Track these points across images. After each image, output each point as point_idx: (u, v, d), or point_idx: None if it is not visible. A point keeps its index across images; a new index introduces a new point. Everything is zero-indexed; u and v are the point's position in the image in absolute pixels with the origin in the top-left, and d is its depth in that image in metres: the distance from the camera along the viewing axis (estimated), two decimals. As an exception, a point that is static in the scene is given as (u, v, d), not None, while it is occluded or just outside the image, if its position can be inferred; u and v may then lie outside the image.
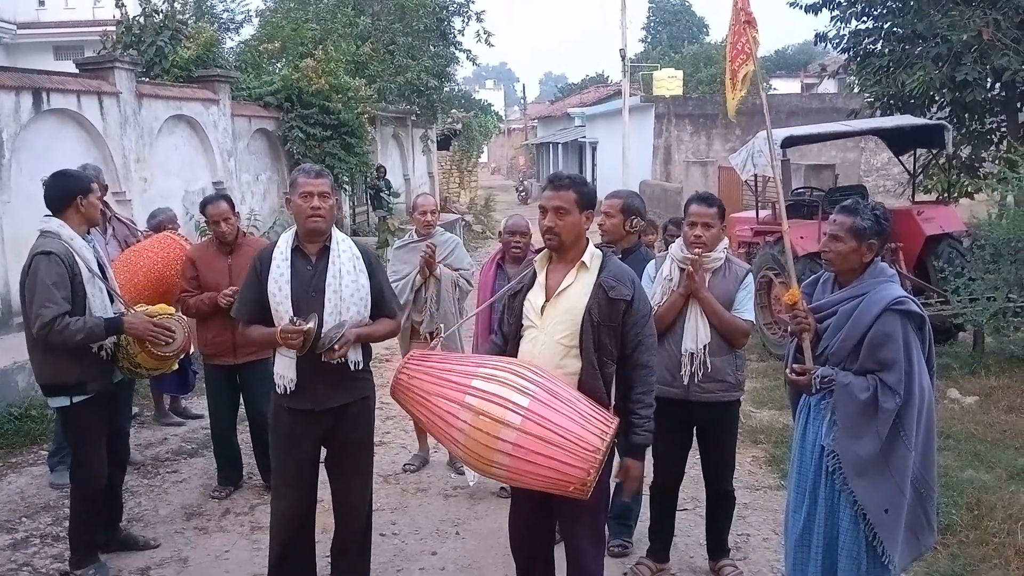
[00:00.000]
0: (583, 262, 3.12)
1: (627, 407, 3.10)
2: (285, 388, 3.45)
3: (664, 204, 19.01)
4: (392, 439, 6.27)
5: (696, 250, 3.79)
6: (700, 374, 3.79)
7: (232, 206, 5.10)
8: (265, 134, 12.47)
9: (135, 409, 6.73)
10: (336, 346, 3.32)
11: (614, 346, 3.09)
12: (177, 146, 10.15)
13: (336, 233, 3.53)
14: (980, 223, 7.84)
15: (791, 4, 12.74)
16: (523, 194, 34.94)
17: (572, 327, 3.06)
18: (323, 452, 3.65)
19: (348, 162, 12.99)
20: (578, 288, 3.09)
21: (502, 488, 4.78)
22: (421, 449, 5.76)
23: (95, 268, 3.90)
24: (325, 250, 3.48)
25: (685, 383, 3.81)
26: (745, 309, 3.85)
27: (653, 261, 4.07)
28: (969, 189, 11.83)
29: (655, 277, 3.95)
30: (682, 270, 3.82)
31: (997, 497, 4.48)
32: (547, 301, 3.12)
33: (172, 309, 4.12)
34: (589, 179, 31.00)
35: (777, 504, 4.74)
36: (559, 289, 3.11)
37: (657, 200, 19.83)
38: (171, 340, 4.01)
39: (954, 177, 11.54)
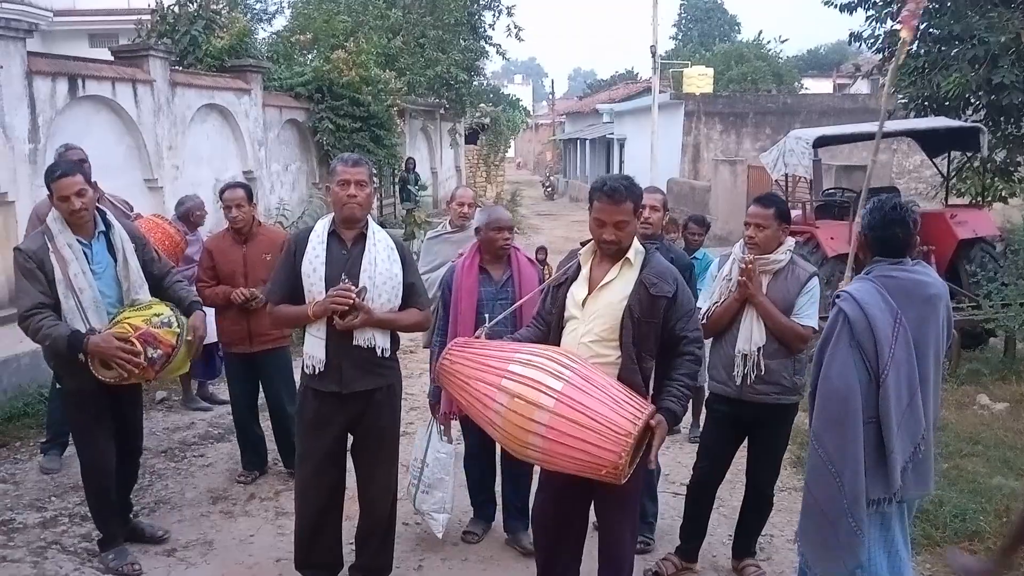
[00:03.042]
0: (627, 258, 3.17)
1: (666, 381, 3.14)
2: (313, 368, 3.49)
3: (692, 203, 18.90)
4: (415, 429, 6.26)
5: (750, 256, 3.77)
6: (753, 375, 3.77)
7: (250, 196, 5.13)
8: (295, 125, 12.55)
9: (163, 394, 6.84)
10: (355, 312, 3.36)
11: (654, 341, 3.14)
12: (209, 135, 10.24)
13: (372, 223, 3.58)
14: (1015, 228, 7.72)
15: (826, 3, 12.58)
16: (549, 190, 34.89)
17: (612, 321, 3.12)
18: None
19: (377, 154, 13.05)
20: (620, 283, 3.15)
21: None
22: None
23: (72, 273, 3.68)
24: (361, 237, 3.54)
25: (738, 384, 3.80)
26: (806, 315, 3.78)
27: (717, 260, 4.06)
28: (1003, 193, 11.66)
29: (715, 276, 3.94)
30: (741, 270, 3.81)
31: (1027, 505, 4.41)
32: (589, 294, 3.17)
33: (165, 308, 3.87)
34: (616, 176, 31.09)
35: (800, 504, 4.70)
36: (602, 283, 3.17)
37: (685, 198, 19.72)
38: (135, 371, 3.64)
39: (988, 181, 11.38)
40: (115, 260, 3.84)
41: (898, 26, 6.07)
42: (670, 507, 4.88)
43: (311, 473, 3.61)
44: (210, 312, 4.85)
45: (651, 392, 3.16)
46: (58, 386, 3.93)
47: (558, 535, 3.41)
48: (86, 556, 4.19)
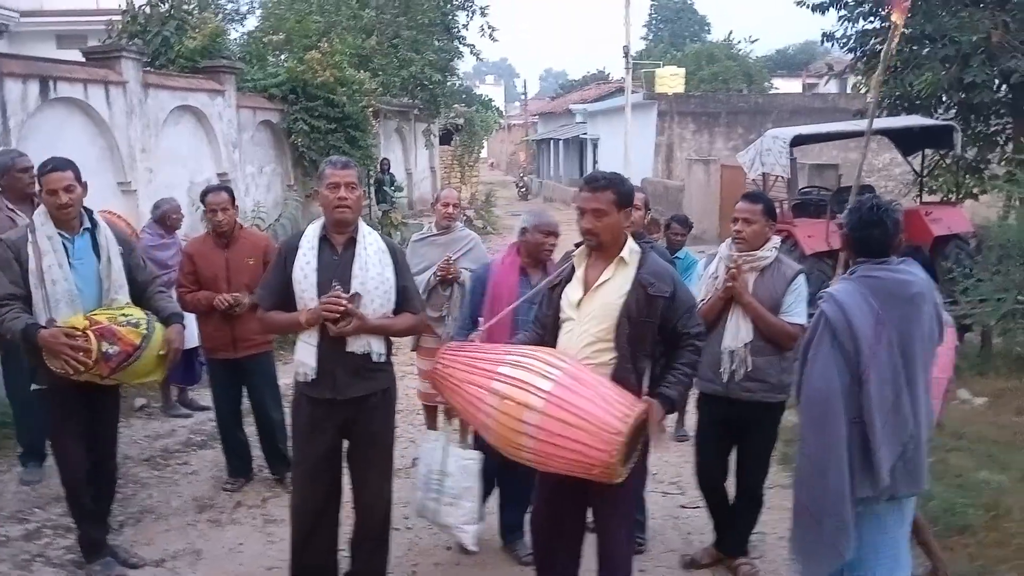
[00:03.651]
0: (622, 258, 3.15)
1: (668, 368, 3.15)
2: (306, 376, 3.45)
3: (666, 202, 18.99)
4: (400, 433, 6.15)
5: (738, 257, 3.77)
6: (741, 372, 3.79)
7: (233, 199, 5.06)
8: (270, 126, 12.41)
9: (142, 401, 6.73)
10: (348, 318, 3.31)
11: (650, 341, 3.13)
12: (182, 137, 10.08)
13: (363, 226, 3.53)
14: (989, 224, 7.83)
15: (798, 3, 12.71)
16: (523, 190, 34.89)
17: (608, 321, 3.10)
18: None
19: (352, 155, 12.92)
20: (616, 283, 3.13)
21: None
22: (431, 443, 5.72)
23: (47, 264, 3.65)
24: (352, 242, 3.49)
25: (724, 381, 3.81)
26: (794, 312, 3.79)
27: (703, 260, 4.06)
28: (975, 191, 11.84)
29: (702, 275, 3.95)
30: (728, 268, 3.82)
31: (1014, 498, 4.48)
32: (584, 295, 3.15)
33: (138, 312, 3.79)
34: (590, 176, 31.12)
35: (791, 502, 4.72)
36: (597, 283, 3.15)
37: (659, 198, 19.80)
38: (81, 368, 3.55)
39: (960, 178, 11.55)
40: (98, 258, 3.81)
41: (893, 15, 6.23)
42: (660, 506, 4.89)
43: (306, 479, 3.56)
44: (190, 317, 4.78)
45: (644, 391, 3.14)
46: (33, 387, 3.84)
47: (554, 535, 3.40)
48: (72, 568, 4.10)
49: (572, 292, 3.20)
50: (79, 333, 3.57)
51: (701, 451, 4.13)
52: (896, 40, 6.13)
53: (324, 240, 3.49)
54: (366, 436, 3.57)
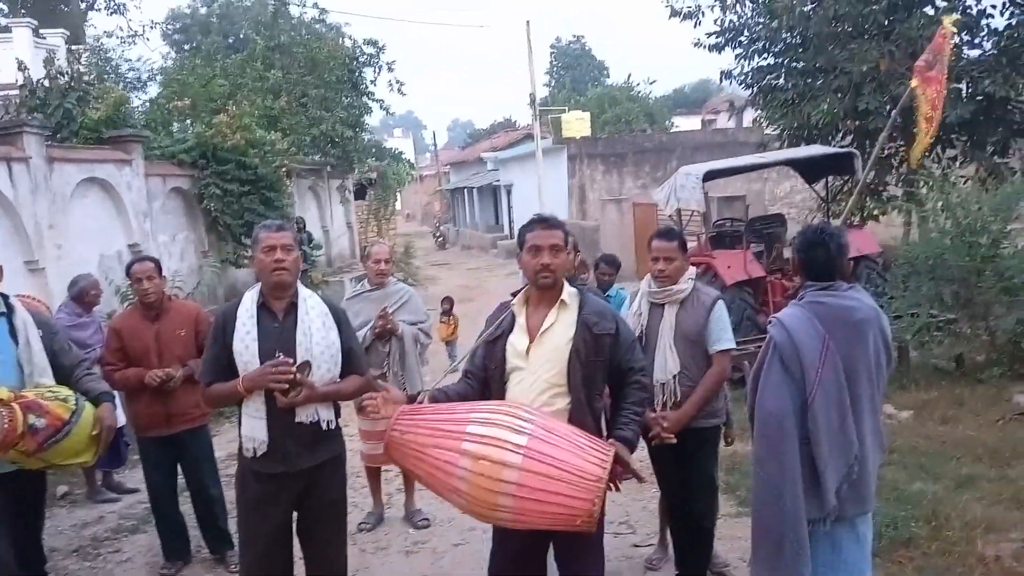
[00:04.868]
0: (563, 300, 3.17)
1: (618, 410, 3.19)
2: (254, 451, 3.31)
3: (583, 242, 19.19)
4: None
5: (661, 425, 3.79)
6: (671, 403, 3.85)
7: (159, 268, 4.89)
8: (180, 193, 12.14)
9: (64, 488, 6.40)
10: (297, 388, 3.22)
11: (602, 380, 3.17)
12: (90, 209, 9.78)
13: (302, 289, 3.45)
14: (898, 244, 8.20)
15: (695, 44, 13.21)
16: (440, 239, 34.93)
17: (559, 365, 3.11)
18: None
19: (268, 216, 12.75)
20: (561, 327, 3.15)
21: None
22: (375, 506, 5.61)
23: None
24: (292, 307, 3.40)
25: (658, 411, 3.86)
26: (717, 340, 3.88)
27: (628, 296, 4.12)
28: (875, 212, 12.39)
29: (626, 314, 4.00)
30: (652, 304, 3.90)
31: (951, 507, 4.62)
32: (531, 342, 3.14)
33: (67, 391, 3.64)
34: (506, 221, 30.75)
35: (740, 531, 4.78)
36: (542, 329, 3.15)
37: (576, 239, 20.08)
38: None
39: (863, 201, 12.07)
40: (16, 343, 3.63)
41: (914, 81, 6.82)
42: (613, 547, 4.86)
43: (258, 559, 3.40)
44: (116, 395, 4.58)
45: (604, 434, 3.17)
46: None
47: None
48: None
49: (518, 341, 3.19)
50: (2, 405, 3.36)
51: (660, 476, 4.15)
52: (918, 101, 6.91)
53: (263, 307, 3.39)
54: (319, 507, 3.46)
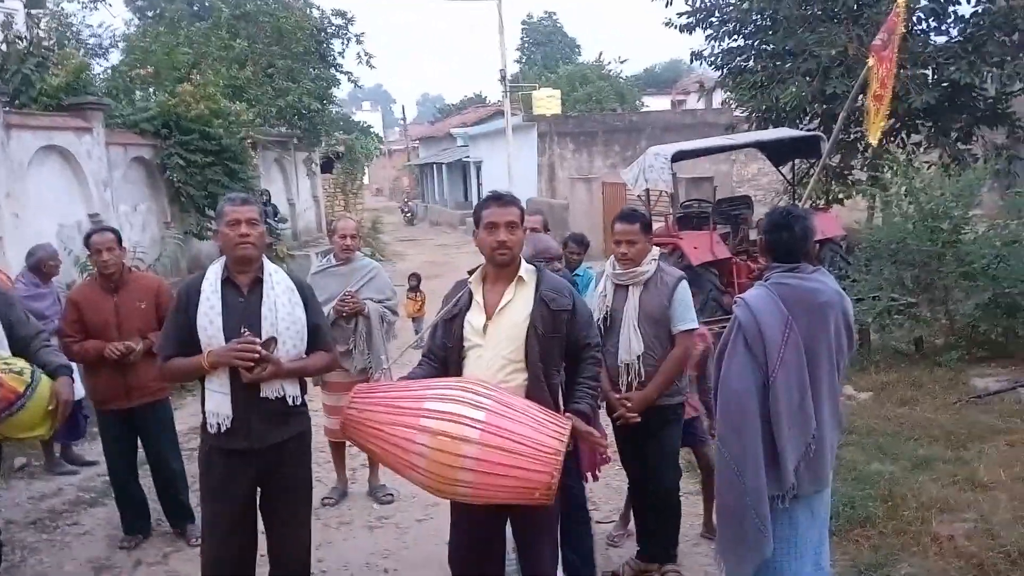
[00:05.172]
0: (520, 277, 3.19)
1: (573, 384, 3.22)
2: (218, 427, 3.26)
3: (552, 220, 19.10)
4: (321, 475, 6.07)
5: (625, 405, 3.84)
6: (636, 383, 3.88)
7: (119, 239, 4.78)
8: (143, 162, 11.91)
9: (22, 460, 6.29)
10: (263, 364, 3.19)
11: (559, 356, 3.20)
12: (49, 178, 9.56)
13: (268, 264, 3.40)
14: (862, 228, 8.28)
15: (666, 24, 13.20)
16: (408, 215, 34.74)
17: (516, 342, 3.13)
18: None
19: (232, 188, 12.55)
20: (519, 303, 3.16)
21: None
22: (339, 481, 5.60)
23: None
24: (258, 281, 3.35)
25: (623, 391, 3.90)
26: (681, 320, 3.90)
27: (595, 276, 4.12)
28: (840, 196, 12.53)
29: (593, 294, 4.01)
30: (616, 285, 3.90)
31: (907, 487, 4.71)
32: (488, 319, 3.15)
33: (22, 363, 3.56)
34: (475, 198, 30.88)
35: (701, 508, 4.83)
36: (500, 306, 3.16)
37: (546, 217, 20.07)
38: None
39: (827, 185, 12.20)
40: None
41: (870, 59, 6.93)
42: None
43: (221, 536, 3.36)
44: (75, 368, 4.50)
45: (560, 409, 3.20)
46: None
47: (482, 564, 3.35)
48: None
49: (474, 319, 3.19)
50: None
51: (626, 456, 4.18)
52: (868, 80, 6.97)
53: (227, 282, 3.33)
54: (284, 484, 3.42)
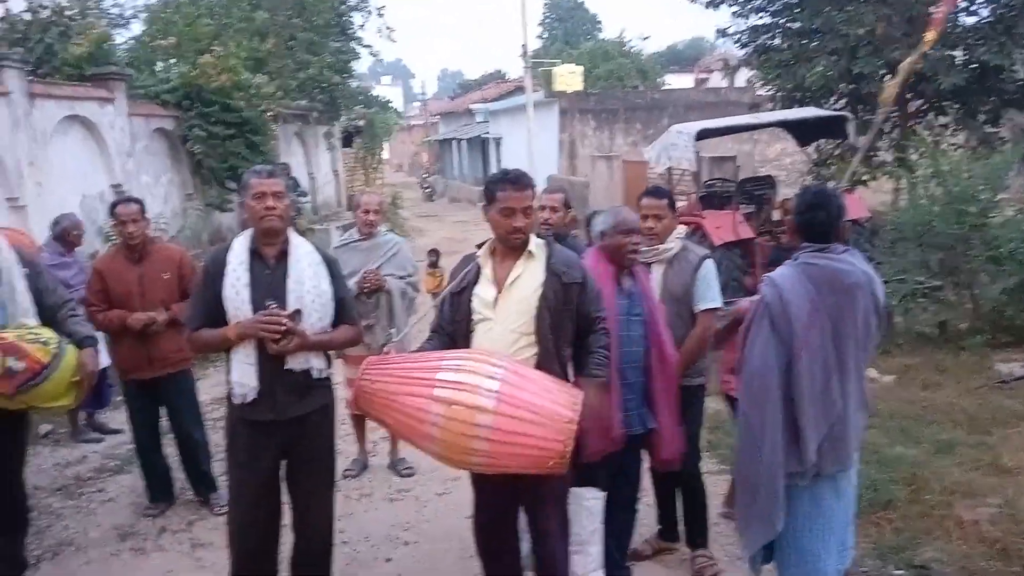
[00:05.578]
0: (530, 251, 3.19)
1: (587, 354, 3.23)
2: (244, 397, 3.28)
3: (573, 198, 19.16)
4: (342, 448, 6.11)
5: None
6: None
7: (143, 210, 4.81)
8: (165, 134, 11.94)
9: (47, 427, 6.37)
10: (289, 336, 3.20)
11: (570, 329, 3.20)
12: (72, 148, 9.60)
13: (294, 236, 3.40)
14: (887, 210, 8.19)
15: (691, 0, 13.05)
16: (428, 191, 34.69)
17: (528, 314, 3.13)
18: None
19: (253, 161, 12.53)
20: (529, 277, 3.17)
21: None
22: (360, 453, 5.63)
23: None
24: (284, 254, 3.35)
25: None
26: (707, 298, 3.85)
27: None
28: (864, 177, 12.38)
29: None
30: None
31: (930, 471, 4.68)
32: (499, 293, 3.16)
33: (49, 333, 3.59)
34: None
35: (722, 488, 4.83)
36: (509, 280, 3.17)
37: (568, 195, 19.99)
38: None
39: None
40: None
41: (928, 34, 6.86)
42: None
43: (247, 507, 3.39)
44: (100, 337, 4.54)
45: (571, 379, 3.22)
46: None
47: (501, 535, 3.41)
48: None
49: (484, 292, 3.20)
50: None
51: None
52: (921, 55, 6.87)
53: (254, 253, 3.34)
54: (308, 456, 3.44)
